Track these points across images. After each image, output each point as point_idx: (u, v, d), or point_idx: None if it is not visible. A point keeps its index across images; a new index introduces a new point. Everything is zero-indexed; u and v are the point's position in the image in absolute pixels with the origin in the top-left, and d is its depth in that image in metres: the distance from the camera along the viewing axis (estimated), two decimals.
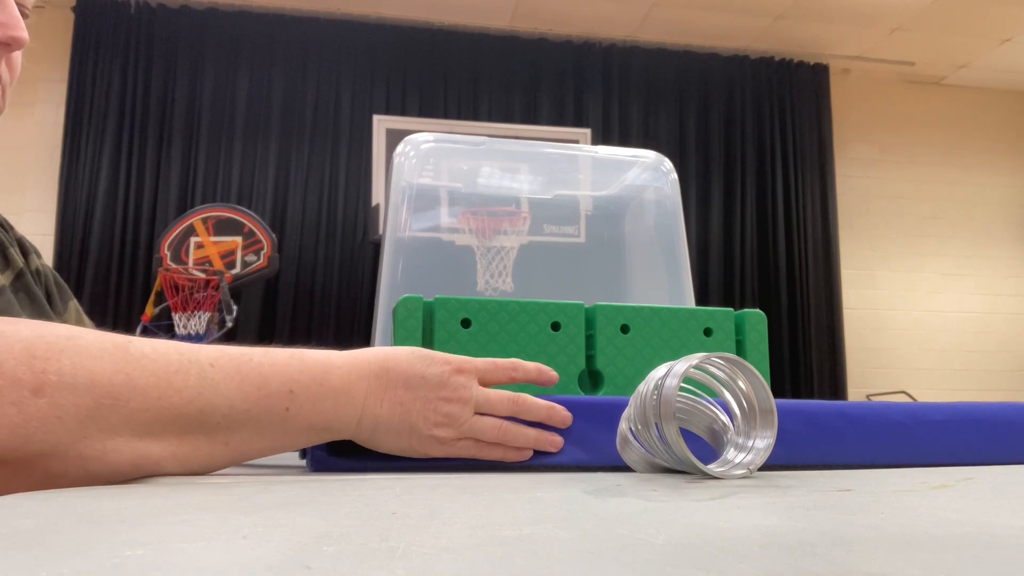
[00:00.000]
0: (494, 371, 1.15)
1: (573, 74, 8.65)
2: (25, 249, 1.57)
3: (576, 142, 7.26)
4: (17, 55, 1.40)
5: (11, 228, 1.56)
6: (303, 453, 1.17)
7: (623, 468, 1.12)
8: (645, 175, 1.97)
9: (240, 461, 1.01)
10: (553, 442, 1.15)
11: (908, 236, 9.36)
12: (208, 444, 0.94)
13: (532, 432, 1.14)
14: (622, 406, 1.15)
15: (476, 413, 1.10)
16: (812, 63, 9.14)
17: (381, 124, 6.81)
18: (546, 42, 8.61)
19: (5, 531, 0.55)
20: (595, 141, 8.04)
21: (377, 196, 6.98)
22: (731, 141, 8.89)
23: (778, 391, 7.46)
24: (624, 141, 8.46)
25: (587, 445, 1.16)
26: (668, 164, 1.95)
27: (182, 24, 8.06)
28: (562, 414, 1.16)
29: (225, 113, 7.94)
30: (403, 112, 8.04)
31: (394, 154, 1.81)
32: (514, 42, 8.54)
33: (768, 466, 1.16)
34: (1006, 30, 8.38)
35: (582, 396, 1.28)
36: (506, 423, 1.12)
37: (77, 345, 0.87)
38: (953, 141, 9.63)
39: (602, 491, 0.82)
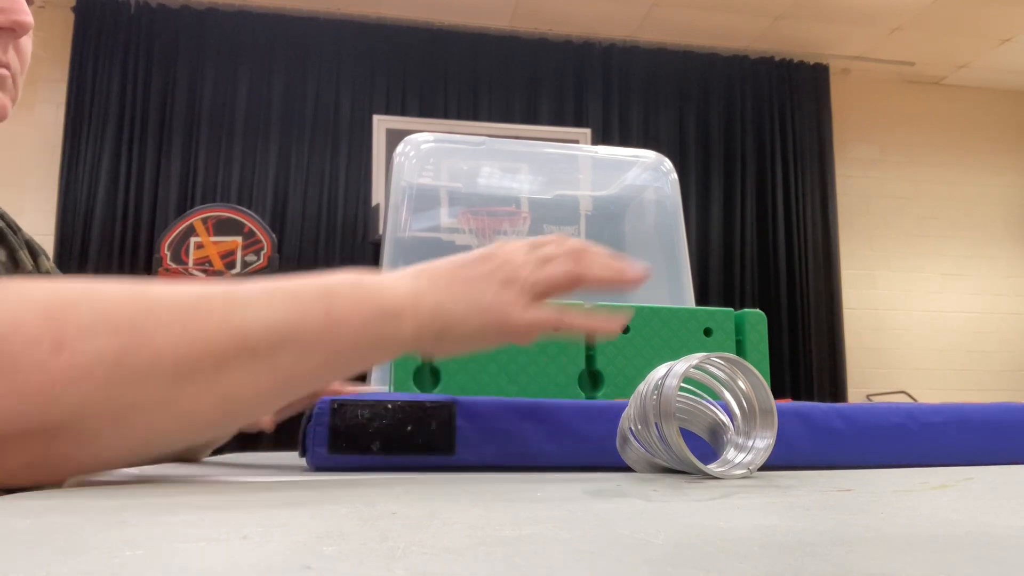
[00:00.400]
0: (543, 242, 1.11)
1: (573, 74, 8.65)
2: (34, 251, 1.57)
3: (576, 142, 7.25)
4: (26, 42, 1.39)
5: (19, 230, 1.56)
6: (303, 451, 1.17)
7: (623, 468, 1.12)
8: (645, 175, 1.98)
9: (291, 392, 0.92)
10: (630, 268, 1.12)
11: (908, 236, 9.36)
12: (250, 373, 0.86)
13: (607, 257, 1.12)
14: (622, 408, 1.16)
15: None
16: (812, 63, 9.13)
17: (381, 124, 6.81)
18: (546, 42, 8.60)
19: (5, 531, 0.55)
20: (595, 141, 8.03)
21: (377, 196, 6.98)
22: (731, 141, 8.89)
23: (778, 391, 7.45)
24: (624, 141, 8.46)
25: (587, 445, 1.16)
26: (668, 164, 1.95)
27: (182, 24, 8.06)
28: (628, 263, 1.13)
29: (225, 113, 7.93)
30: (403, 112, 8.04)
31: (394, 154, 1.81)
32: (514, 42, 8.54)
33: (768, 466, 1.16)
34: (1006, 30, 8.38)
35: (582, 399, 1.29)
36: (578, 250, 1.10)
37: (93, 293, 0.82)
38: (953, 141, 9.63)
39: (602, 491, 0.82)
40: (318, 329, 0.90)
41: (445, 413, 1.15)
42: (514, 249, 1.08)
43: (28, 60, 1.41)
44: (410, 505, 0.68)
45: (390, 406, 1.12)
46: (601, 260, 1.11)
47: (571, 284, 1.07)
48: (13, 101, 1.38)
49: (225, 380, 0.84)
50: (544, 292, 1.06)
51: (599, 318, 1.12)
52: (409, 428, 1.13)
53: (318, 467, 1.12)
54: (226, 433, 0.96)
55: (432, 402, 1.14)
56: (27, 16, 1.32)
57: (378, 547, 0.47)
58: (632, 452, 1.06)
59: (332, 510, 0.65)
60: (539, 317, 1.05)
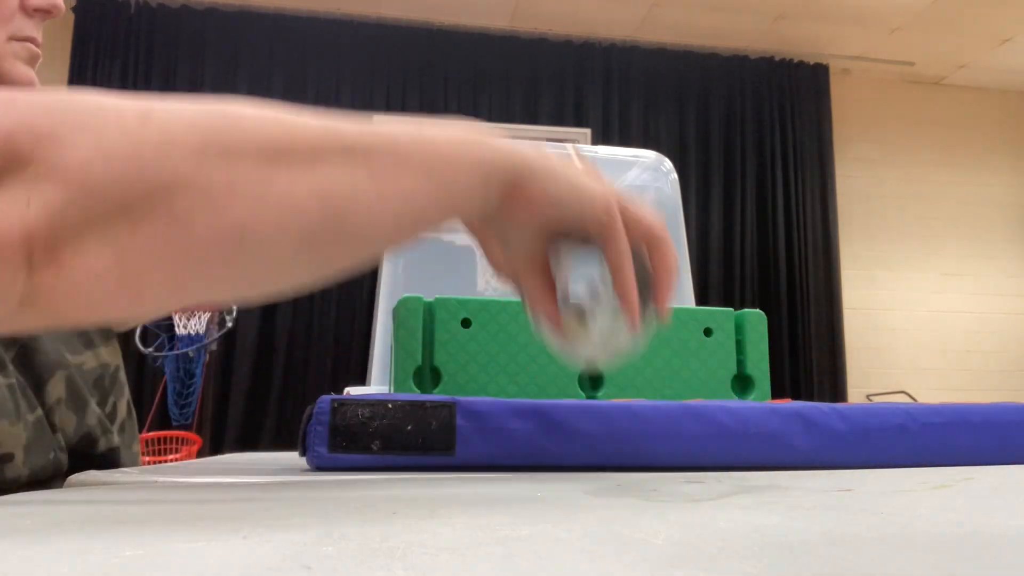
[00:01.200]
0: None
1: (573, 74, 8.66)
2: None
3: (576, 142, 7.26)
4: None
5: None
6: (303, 451, 1.17)
7: (623, 468, 1.12)
8: (645, 175, 1.98)
9: (391, 206, 0.83)
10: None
11: (908, 236, 9.36)
12: (347, 171, 0.79)
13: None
14: (622, 408, 1.16)
15: None
16: (812, 63, 9.14)
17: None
18: (546, 42, 8.61)
19: (5, 531, 0.55)
20: (595, 141, 8.04)
21: None
22: (731, 141, 8.89)
23: (778, 391, 7.46)
24: (624, 141, 8.46)
25: (587, 445, 1.16)
26: (668, 164, 1.95)
27: (182, 24, 8.06)
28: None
29: None
30: (403, 112, 8.04)
31: None
32: (514, 42, 8.55)
33: (768, 466, 1.16)
34: (1006, 30, 8.38)
35: (582, 399, 1.29)
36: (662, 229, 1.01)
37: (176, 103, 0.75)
38: (953, 141, 9.63)
39: (602, 491, 0.82)
40: (411, 141, 0.85)
41: (445, 413, 1.15)
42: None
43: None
44: (410, 505, 0.68)
45: (390, 405, 1.12)
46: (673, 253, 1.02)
47: (650, 235, 0.99)
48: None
49: (321, 172, 0.77)
50: (634, 212, 0.98)
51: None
52: (409, 428, 1.13)
53: (318, 466, 1.12)
54: (326, 241, 0.79)
55: (432, 402, 1.14)
56: (61, 0, 1.36)
57: (378, 547, 0.47)
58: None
59: (332, 510, 0.65)
60: (617, 217, 0.96)
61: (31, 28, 1.36)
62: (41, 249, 0.65)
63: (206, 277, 0.75)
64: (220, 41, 8.07)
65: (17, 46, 1.34)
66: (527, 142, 0.93)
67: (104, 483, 0.98)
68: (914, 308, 9.34)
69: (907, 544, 0.49)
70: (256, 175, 0.74)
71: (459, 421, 1.15)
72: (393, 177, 0.82)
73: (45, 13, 1.36)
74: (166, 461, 6.15)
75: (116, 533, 0.53)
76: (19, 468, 1.23)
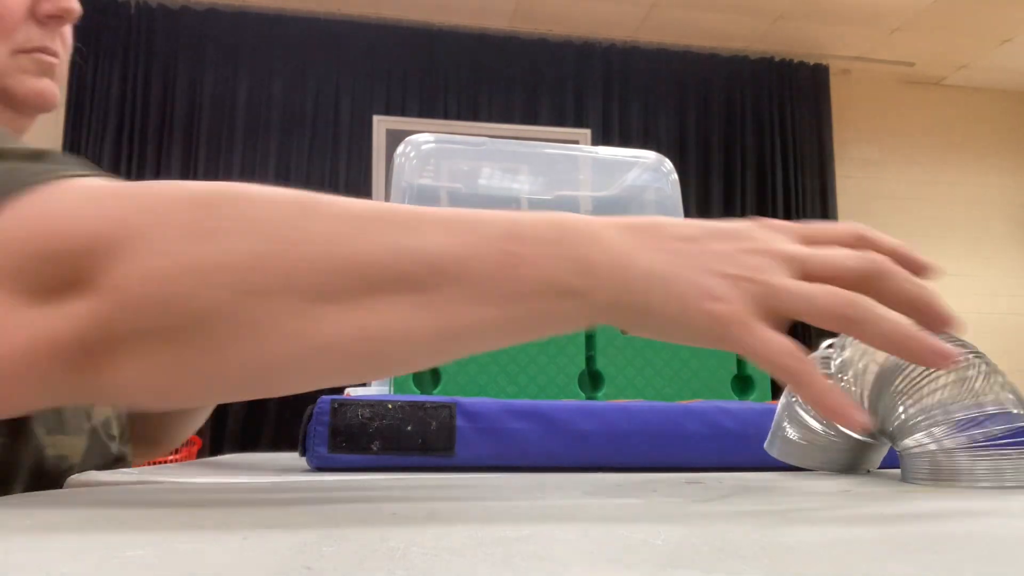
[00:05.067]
0: (825, 232, 0.82)
1: (573, 75, 8.65)
2: None
3: (576, 143, 7.25)
4: (68, 30, 1.40)
5: None
6: (303, 451, 1.18)
7: (623, 468, 1.13)
8: (645, 175, 1.98)
9: (451, 339, 0.75)
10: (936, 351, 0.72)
11: (908, 236, 9.33)
12: (407, 306, 0.73)
13: (896, 319, 0.74)
14: (621, 408, 1.16)
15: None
16: (812, 63, 9.13)
17: (381, 124, 6.80)
18: (546, 43, 8.60)
19: (5, 531, 0.55)
20: (595, 142, 8.03)
21: (377, 196, 6.96)
22: (731, 141, 8.88)
23: (778, 391, 7.43)
24: (624, 142, 8.45)
25: (587, 446, 1.16)
26: (668, 164, 1.95)
27: (182, 24, 8.05)
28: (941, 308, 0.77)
29: (225, 113, 7.92)
30: (403, 112, 8.03)
31: (395, 155, 1.81)
32: (514, 43, 8.54)
33: (768, 467, 1.16)
34: (1006, 30, 8.38)
35: (582, 400, 1.29)
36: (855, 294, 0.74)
37: (248, 192, 0.76)
38: (953, 142, 9.62)
39: (602, 491, 0.82)
40: (495, 270, 0.74)
41: (445, 413, 1.15)
42: (776, 234, 0.81)
43: (70, 49, 1.43)
44: (410, 505, 0.68)
45: (390, 406, 1.13)
46: (910, 287, 0.78)
47: (833, 325, 0.75)
48: (60, 91, 1.39)
49: (374, 310, 0.73)
50: (789, 311, 0.75)
51: (845, 402, 0.71)
52: (409, 428, 1.13)
53: (318, 467, 1.13)
54: (363, 377, 0.80)
55: (432, 402, 1.14)
56: (75, 3, 1.34)
57: (378, 547, 0.47)
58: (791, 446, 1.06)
59: (332, 510, 0.65)
60: (767, 344, 0.73)
61: (42, 37, 1.33)
62: (91, 350, 0.70)
63: (236, 394, 0.78)
64: (220, 41, 8.06)
65: (24, 59, 1.31)
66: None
67: (104, 483, 0.98)
68: None
69: (907, 544, 0.50)
70: (299, 311, 0.72)
71: (459, 422, 1.15)
72: (456, 310, 0.75)
73: (59, 19, 1.34)
74: (166, 462, 6.14)
75: (116, 533, 0.53)
76: None
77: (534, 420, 1.16)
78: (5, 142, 0.82)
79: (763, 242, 0.78)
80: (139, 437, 1.67)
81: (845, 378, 1.05)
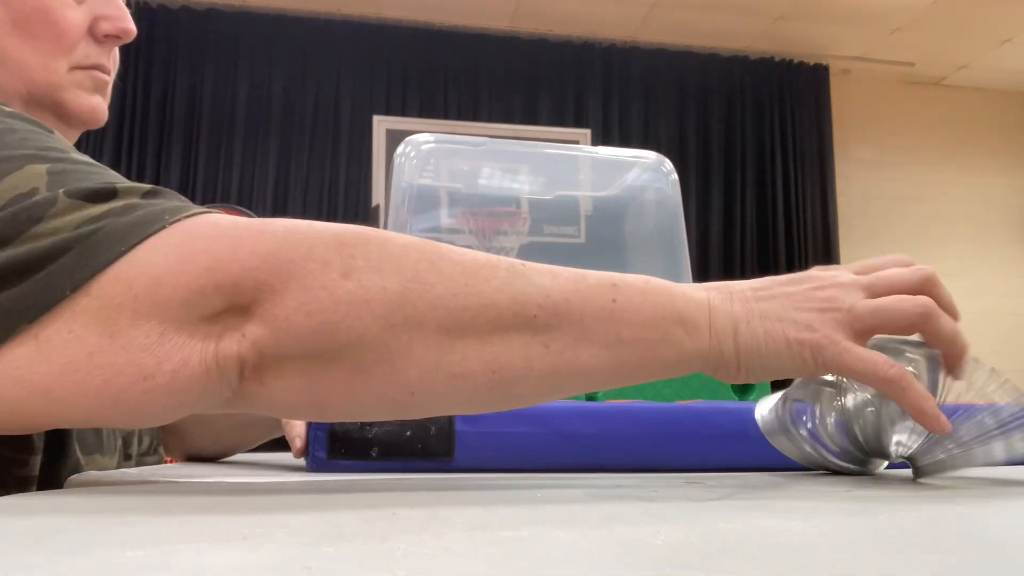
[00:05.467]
0: (872, 261, 0.98)
1: (573, 75, 8.64)
2: None
3: (576, 143, 7.25)
4: (116, 50, 1.44)
5: None
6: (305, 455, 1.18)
7: (623, 469, 1.13)
8: (645, 175, 1.98)
9: (563, 381, 0.87)
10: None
11: (908, 236, 9.34)
12: (523, 345, 0.85)
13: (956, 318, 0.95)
14: (620, 410, 1.16)
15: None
16: (812, 63, 9.12)
17: (381, 125, 6.80)
18: (546, 43, 8.59)
19: (6, 531, 0.55)
20: (595, 142, 8.03)
21: (377, 196, 6.97)
22: (731, 142, 8.88)
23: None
24: (624, 142, 8.45)
25: (587, 448, 1.16)
26: (668, 165, 1.95)
27: (182, 24, 8.05)
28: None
29: (225, 113, 7.92)
30: (403, 113, 8.03)
31: (395, 155, 1.81)
32: (514, 43, 8.53)
33: (766, 467, 1.16)
34: (1006, 30, 8.37)
35: (581, 402, 1.29)
36: (931, 287, 0.95)
37: (384, 236, 0.85)
38: (953, 142, 9.61)
39: (601, 491, 0.82)
40: (600, 315, 0.87)
41: (444, 418, 1.16)
42: (835, 271, 0.96)
43: (117, 68, 1.46)
44: (410, 505, 0.68)
45: None
46: (951, 321, 0.95)
47: (909, 328, 0.92)
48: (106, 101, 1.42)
49: (497, 347, 0.85)
50: (873, 326, 0.91)
51: (937, 411, 0.92)
52: (408, 433, 1.14)
53: (317, 471, 1.13)
54: (490, 406, 0.90)
55: None
56: (132, 24, 1.38)
57: (378, 548, 0.47)
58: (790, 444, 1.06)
59: (332, 510, 0.65)
60: (865, 360, 0.89)
61: (98, 55, 1.36)
62: (250, 369, 0.81)
63: (376, 413, 0.89)
64: (220, 41, 8.06)
65: (81, 75, 1.33)
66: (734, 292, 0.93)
67: (104, 483, 0.98)
68: None
69: (907, 545, 0.50)
70: (435, 343, 0.83)
71: (459, 426, 1.15)
72: (571, 354, 0.87)
73: (115, 39, 1.37)
74: (166, 462, 6.13)
75: (116, 533, 0.53)
76: None
77: (534, 423, 1.17)
78: (114, 177, 0.87)
79: (828, 279, 0.94)
80: (188, 448, 1.73)
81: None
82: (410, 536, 0.51)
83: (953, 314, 0.96)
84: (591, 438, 1.17)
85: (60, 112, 1.32)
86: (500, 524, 0.56)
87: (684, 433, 1.19)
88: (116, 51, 1.43)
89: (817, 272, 0.96)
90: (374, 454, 1.13)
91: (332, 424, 1.13)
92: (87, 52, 1.34)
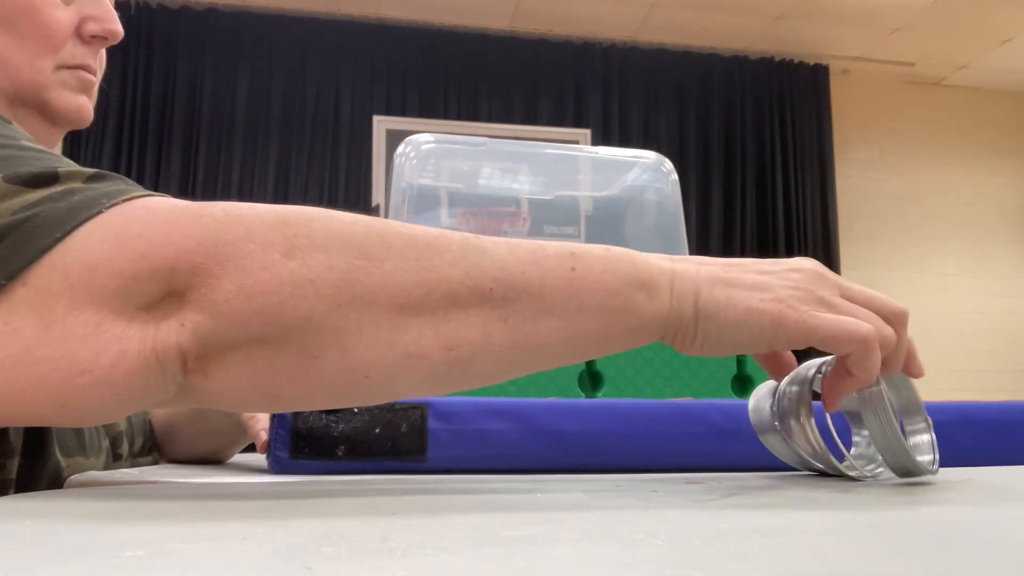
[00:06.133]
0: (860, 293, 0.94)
1: (573, 75, 8.64)
2: None
3: (576, 143, 7.25)
4: (103, 51, 1.44)
5: None
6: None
7: (609, 469, 1.12)
8: (645, 175, 1.98)
9: (526, 351, 0.84)
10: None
11: (908, 236, 9.34)
12: (480, 319, 0.82)
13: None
14: (604, 407, 1.15)
15: None
16: (812, 64, 9.12)
17: (381, 125, 6.80)
18: (546, 43, 8.59)
19: (6, 531, 0.55)
20: (595, 142, 8.03)
21: (377, 196, 6.97)
22: (731, 142, 8.88)
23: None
24: (624, 142, 8.45)
25: (566, 446, 1.16)
26: (668, 165, 1.95)
27: (182, 24, 8.04)
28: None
29: (225, 113, 7.92)
30: (403, 113, 8.02)
31: (395, 155, 1.81)
32: (514, 43, 8.53)
33: (766, 467, 1.16)
34: (1006, 30, 8.37)
35: (583, 399, 1.28)
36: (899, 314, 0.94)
37: (329, 214, 0.82)
38: (953, 142, 9.61)
39: (602, 492, 0.82)
40: (560, 284, 0.85)
41: (417, 415, 1.13)
42: (813, 268, 0.94)
43: (104, 69, 1.46)
44: (410, 506, 0.68)
45: (356, 408, 1.11)
46: (893, 363, 0.95)
47: (859, 342, 0.89)
48: (92, 102, 1.42)
49: (453, 323, 0.82)
50: (845, 310, 0.91)
51: (909, 357, 0.97)
52: (377, 431, 1.11)
53: (279, 472, 1.10)
54: (450, 385, 0.86)
55: (403, 403, 1.12)
56: (119, 26, 1.40)
57: (378, 548, 0.47)
58: (777, 444, 1.06)
59: (332, 510, 0.65)
60: (831, 320, 0.89)
61: (85, 55, 1.36)
62: (193, 360, 0.76)
63: (330, 399, 0.85)
64: (220, 41, 8.06)
65: (66, 75, 1.34)
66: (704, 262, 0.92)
67: (104, 483, 0.98)
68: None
69: (906, 546, 0.50)
70: (387, 322, 0.79)
71: (432, 423, 1.13)
72: (531, 327, 0.84)
73: (102, 40, 1.38)
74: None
75: (116, 533, 0.53)
76: None
77: (512, 420, 1.14)
78: (61, 163, 0.85)
79: (811, 267, 0.93)
80: (181, 450, 1.72)
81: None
82: (410, 536, 0.51)
83: (904, 354, 0.96)
84: (573, 436, 1.15)
85: (45, 111, 1.32)
86: (500, 525, 0.56)
87: (673, 432, 1.17)
88: (103, 52, 1.44)
89: (804, 261, 0.95)
90: (340, 453, 1.10)
91: (295, 421, 1.10)
92: (74, 52, 1.35)
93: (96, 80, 1.40)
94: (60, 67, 1.33)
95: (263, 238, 0.77)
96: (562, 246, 0.87)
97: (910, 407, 1.07)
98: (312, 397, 0.83)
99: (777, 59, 9.03)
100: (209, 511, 0.65)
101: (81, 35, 1.35)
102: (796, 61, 9.07)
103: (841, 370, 0.92)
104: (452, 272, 0.82)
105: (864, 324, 0.88)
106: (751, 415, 1.07)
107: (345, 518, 0.60)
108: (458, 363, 0.82)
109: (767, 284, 0.90)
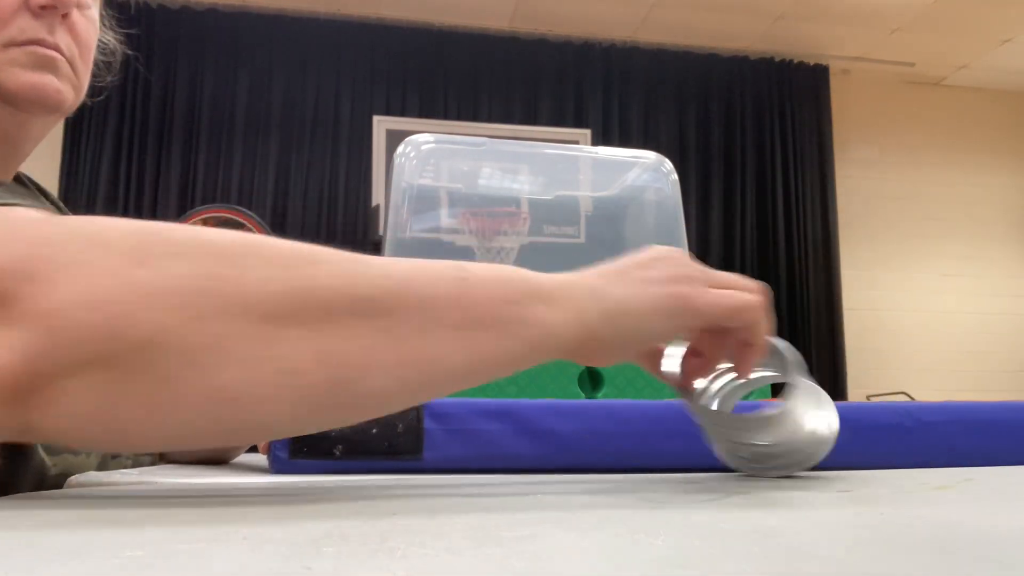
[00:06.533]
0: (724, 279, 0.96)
1: (573, 75, 8.64)
2: None
3: (576, 143, 7.25)
4: (84, 24, 1.36)
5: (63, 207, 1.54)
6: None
7: (605, 469, 1.12)
8: (645, 176, 1.98)
9: (412, 366, 0.74)
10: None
11: (908, 236, 9.34)
12: (367, 331, 0.72)
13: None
14: (598, 407, 1.15)
15: None
16: (812, 64, 9.12)
17: (381, 125, 6.80)
18: (546, 43, 8.59)
19: (5, 531, 0.55)
20: (595, 142, 8.02)
21: (377, 197, 6.97)
22: (731, 142, 8.88)
23: (777, 391, 7.40)
24: (624, 142, 8.44)
25: (562, 446, 1.15)
26: (668, 165, 1.95)
27: (182, 24, 8.04)
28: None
29: (225, 113, 7.92)
30: (403, 113, 8.02)
31: (395, 155, 1.81)
32: (514, 43, 8.53)
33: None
34: (1006, 30, 8.37)
35: (583, 399, 1.28)
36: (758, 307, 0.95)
37: (188, 227, 0.71)
38: (953, 142, 9.61)
39: (601, 492, 0.82)
40: (452, 292, 0.77)
41: (412, 415, 1.12)
42: (679, 253, 0.96)
43: (90, 44, 1.39)
44: (410, 506, 0.68)
45: None
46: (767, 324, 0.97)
47: (737, 315, 0.93)
48: (76, 90, 1.36)
49: (329, 336, 0.71)
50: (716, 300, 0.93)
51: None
52: (374, 431, 1.10)
53: (279, 472, 1.10)
54: (334, 410, 0.75)
55: None
56: None
57: (378, 548, 0.47)
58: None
59: (332, 510, 0.65)
60: (724, 294, 0.92)
61: (37, 29, 1.28)
62: (24, 391, 0.63)
63: (197, 432, 0.71)
64: (220, 41, 8.06)
65: (17, 52, 1.26)
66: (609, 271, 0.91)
67: (104, 483, 0.98)
68: (915, 309, 9.32)
69: (906, 546, 0.50)
70: (253, 334, 0.68)
71: (427, 423, 1.12)
72: (420, 340, 0.75)
73: (52, 9, 1.28)
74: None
75: (116, 533, 0.53)
76: None
77: (508, 420, 1.14)
78: None
79: (677, 259, 0.95)
80: (182, 452, 1.65)
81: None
82: (410, 536, 0.51)
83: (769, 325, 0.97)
84: (568, 436, 1.15)
85: (1, 94, 1.27)
86: (499, 525, 0.56)
87: (666, 431, 1.17)
88: (83, 25, 1.36)
89: (664, 248, 0.96)
90: (338, 453, 1.10)
91: None
92: (22, 27, 1.27)
93: (59, 56, 1.31)
94: (8, 44, 1.26)
95: (113, 242, 0.68)
96: (450, 262, 0.80)
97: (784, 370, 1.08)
98: (170, 430, 0.69)
99: (777, 59, 9.03)
100: (209, 512, 0.65)
101: (30, 7, 1.27)
102: (796, 61, 9.08)
103: (742, 347, 0.96)
104: (329, 281, 0.73)
105: (751, 295, 0.94)
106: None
107: (345, 518, 0.60)
108: (341, 382, 0.72)
109: (657, 274, 0.90)
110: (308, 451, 1.09)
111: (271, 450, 1.11)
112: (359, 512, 0.63)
